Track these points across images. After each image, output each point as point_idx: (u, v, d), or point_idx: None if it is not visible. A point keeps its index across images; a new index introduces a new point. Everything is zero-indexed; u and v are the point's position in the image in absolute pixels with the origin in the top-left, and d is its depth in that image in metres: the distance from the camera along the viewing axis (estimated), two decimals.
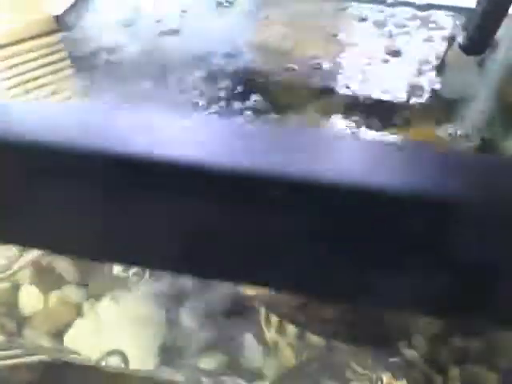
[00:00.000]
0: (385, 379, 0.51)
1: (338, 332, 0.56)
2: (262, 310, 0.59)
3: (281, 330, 0.57)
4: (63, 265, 0.61)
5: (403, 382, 0.51)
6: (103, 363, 0.55)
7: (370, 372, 0.52)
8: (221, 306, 0.59)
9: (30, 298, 0.60)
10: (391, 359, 0.53)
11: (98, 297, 0.60)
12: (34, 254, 0.63)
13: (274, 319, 0.58)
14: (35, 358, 0.57)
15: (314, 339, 0.55)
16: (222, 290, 0.60)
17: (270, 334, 0.57)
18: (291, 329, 0.56)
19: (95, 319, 0.58)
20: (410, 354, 0.55)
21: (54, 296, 0.61)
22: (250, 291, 0.60)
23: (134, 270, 0.61)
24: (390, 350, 0.56)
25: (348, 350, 0.54)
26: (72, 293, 0.60)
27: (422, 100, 0.81)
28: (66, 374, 0.57)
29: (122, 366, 0.55)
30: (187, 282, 0.60)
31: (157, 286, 0.61)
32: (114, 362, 0.55)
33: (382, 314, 0.58)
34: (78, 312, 0.59)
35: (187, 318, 0.59)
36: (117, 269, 0.61)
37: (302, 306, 0.60)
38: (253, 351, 0.57)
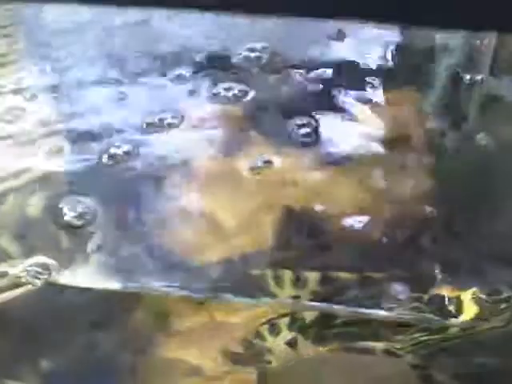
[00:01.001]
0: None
1: (366, 262, 0.44)
2: (268, 272, 0.47)
3: (298, 283, 0.45)
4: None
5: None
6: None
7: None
8: None
9: None
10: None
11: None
12: None
13: (287, 274, 0.46)
14: None
15: (343, 276, 0.42)
16: None
17: (285, 292, 0.44)
18: (311, 275, 0.44)
19: None
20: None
21: None
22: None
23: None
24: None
25: (389, 276, 0.42)
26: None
27: None
28: None
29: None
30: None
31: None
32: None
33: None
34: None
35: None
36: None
37: (315, 248, 0.48)
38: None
